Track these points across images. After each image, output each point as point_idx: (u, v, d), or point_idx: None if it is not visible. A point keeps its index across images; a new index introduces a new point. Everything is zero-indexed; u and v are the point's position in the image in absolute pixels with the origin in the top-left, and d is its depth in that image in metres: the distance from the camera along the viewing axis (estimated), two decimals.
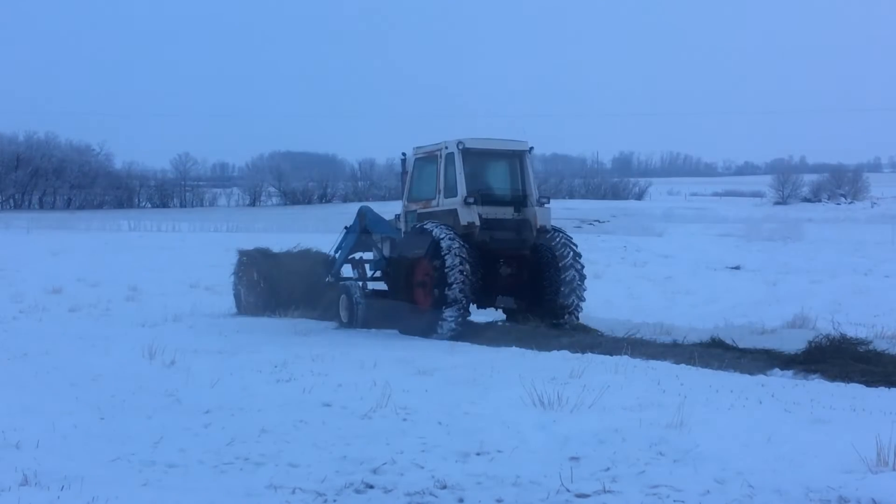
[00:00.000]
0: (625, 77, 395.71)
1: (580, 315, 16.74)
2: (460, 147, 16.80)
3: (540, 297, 16.88)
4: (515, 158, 17.52)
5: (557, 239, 16.90)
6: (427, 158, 17.74)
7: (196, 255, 36.04)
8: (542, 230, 16.91)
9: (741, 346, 13.46)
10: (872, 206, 72.55)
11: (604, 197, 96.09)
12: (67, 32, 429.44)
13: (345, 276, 19.79)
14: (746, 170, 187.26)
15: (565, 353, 13.29)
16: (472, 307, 16.60)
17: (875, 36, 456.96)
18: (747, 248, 38.38)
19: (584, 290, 16.91)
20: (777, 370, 11.93)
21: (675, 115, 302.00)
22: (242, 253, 22.18)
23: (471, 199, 16.49)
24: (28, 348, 13.55)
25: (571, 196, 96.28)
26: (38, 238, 45.22)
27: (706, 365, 12.15)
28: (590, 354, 13.04)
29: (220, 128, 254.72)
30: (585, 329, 15.31)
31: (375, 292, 18.58)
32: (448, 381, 10.67)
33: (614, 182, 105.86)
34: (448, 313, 15.75)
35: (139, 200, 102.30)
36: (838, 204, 78.84)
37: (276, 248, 22.61)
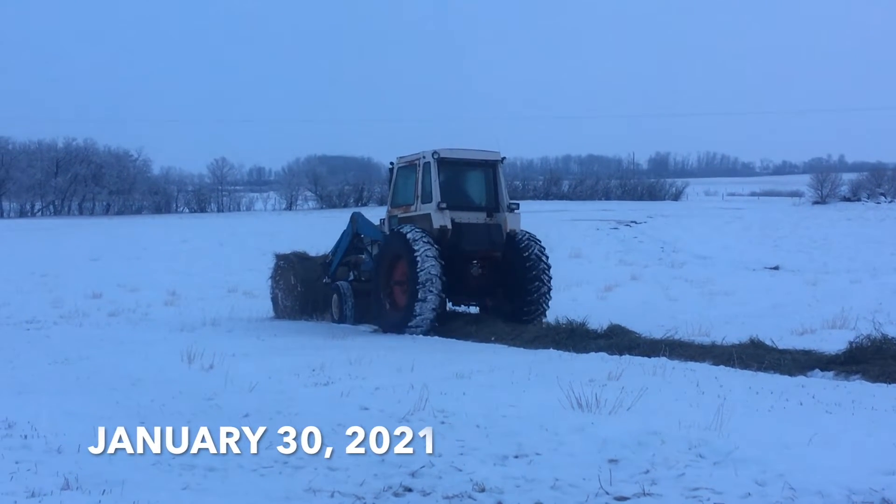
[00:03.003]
0: (661, 77, 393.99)
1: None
2: (435, 157, 18.02)
3: (510, 296, 18.05)
4: (489, 168, 18.77)
5: (526, 242, 17.97)
6: (408, 167, 18.96)
7: (234, 260, 36.30)
8: (512, 234, 18.15)
9: (781, 346, 13.34)
10: None
11: (640, 198, 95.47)
12: (106, 40, 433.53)
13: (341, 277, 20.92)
14: (784, 169, 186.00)
15: (603, 354, 13.26)
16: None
17: None
18: (786, 249, 38.02)
19: (550, 288, 18.02)
20: (817, 371, 11.82)
21: (712, 115, 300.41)
22: (279, 257, 22.38)
23: (443, 205, 17.75)
24: (69, 353, 13.69)
25: (608, 197, 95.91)
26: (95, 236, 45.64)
27: (745, 366, 12.07)
28: (627, 356, 13.00)
29: (257, 132, 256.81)
30: (623, 331, 15.27)
31: (365, 291, 19.72)
32: (486, 384, 10.65)
33: (651, 183, 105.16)
34: (421, 310, 16.91)
35: (177, 206, 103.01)
36: (878, 203, 77.94)
37: (312, 252, 22.75)
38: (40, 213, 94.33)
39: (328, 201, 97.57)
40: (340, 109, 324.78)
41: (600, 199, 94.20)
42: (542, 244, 18.11)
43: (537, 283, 17.68)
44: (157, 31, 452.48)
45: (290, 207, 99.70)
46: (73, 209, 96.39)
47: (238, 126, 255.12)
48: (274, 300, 22.02)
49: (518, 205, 18.47)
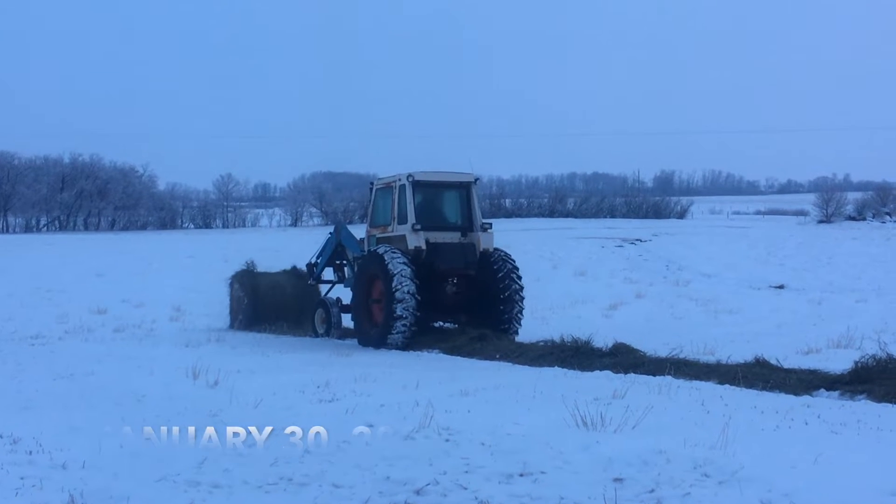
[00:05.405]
0: (666, 95, 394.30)
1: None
2: (410, 179, 18.59)
3: (484, 312, 18.47)
4: (462, 189, 19.33)
5: (498, 260, 18.55)
6: (385, 189, 19.55)
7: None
8: (486, 252, 18.68)
9: (786, 366, 13.30)
10: None
11: (645, 216, 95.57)
12: (111, 56, 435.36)
13: (326, 279, 21.99)
14: (789, 188, 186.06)
15: (608, 373, 13.25)
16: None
17: None
18: (791, 267, 38.00)
19: (523, 302, 18.63)
20: (823, 391, 11.79)
21: (717, 134, 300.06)
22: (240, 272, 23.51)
23: (418, 226, 18.32)
24: (74, 369, 13.69)
25: (613, 215, 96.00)
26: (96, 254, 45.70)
27: (750, 385, 12.05)
28: (632, 375, 13.00)
29: (262, 149, 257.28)
30: (628, 349, 15.25)
31: (346, 306, 20.35)
32: (491, 402, 10.65)
33: (656, 201, 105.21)
34: (396, 327, 17.46)
35: (182, 221, 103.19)
36: (883, 222, 77.94)
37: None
38: (46, 228, 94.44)
39: (333, 218, 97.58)
40: (346, 126, 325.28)
41: (605, 216, 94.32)
42: (515, 262, 18.70)
43: (510, 297, 18.29)
44: (163, 47, 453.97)
45: (295, 224, 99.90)
46: (78, 224, 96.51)
47: (244, 142, 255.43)
48: (231, 312, 23.09)
49: (491, 224, 19.11)
